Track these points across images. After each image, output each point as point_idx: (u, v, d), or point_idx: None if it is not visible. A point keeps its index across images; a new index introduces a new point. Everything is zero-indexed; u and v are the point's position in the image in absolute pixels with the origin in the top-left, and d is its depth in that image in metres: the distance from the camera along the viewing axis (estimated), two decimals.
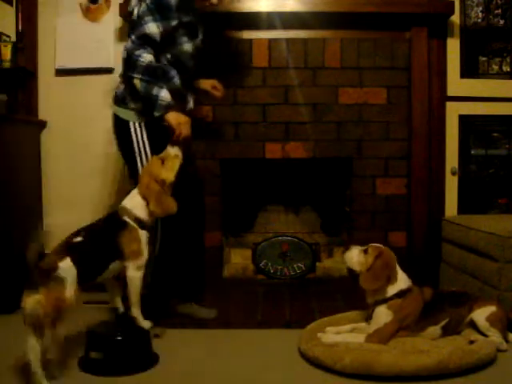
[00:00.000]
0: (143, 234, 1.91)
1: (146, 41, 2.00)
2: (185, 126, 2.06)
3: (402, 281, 1.99)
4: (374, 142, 2.79)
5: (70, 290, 1.65)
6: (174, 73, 2.11)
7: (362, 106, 2.78)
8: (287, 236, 3.07)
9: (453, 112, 2.89)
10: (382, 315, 1.95)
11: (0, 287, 2.44)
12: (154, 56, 2.03)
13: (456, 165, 2.91)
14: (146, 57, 1.99)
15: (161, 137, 2.08)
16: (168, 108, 2.03)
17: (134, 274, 1.89)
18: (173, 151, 2.01)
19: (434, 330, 1.98)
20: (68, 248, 1.75)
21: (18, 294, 2.29)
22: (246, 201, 3.13)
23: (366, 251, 2.01)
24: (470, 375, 1.77)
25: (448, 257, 2.75)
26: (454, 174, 2.91)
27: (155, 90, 2.00)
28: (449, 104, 2.89)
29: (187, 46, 2.15)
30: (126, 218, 1.89)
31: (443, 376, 1.74)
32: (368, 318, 2.04)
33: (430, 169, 2.85)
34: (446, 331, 1.99)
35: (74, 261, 1.69)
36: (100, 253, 1.84)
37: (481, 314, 1.99)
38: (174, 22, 2.05)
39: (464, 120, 2.90)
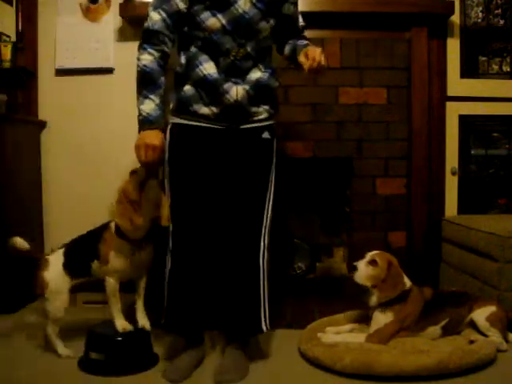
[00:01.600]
0: (118, 243, 1.84)
1: (145, 37, 1.75)
2: (144, 150, 1.66)
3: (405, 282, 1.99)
4: (374, 142, 2.79)
5: (50, 273, 1.89)
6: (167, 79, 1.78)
7: (362, 106, 2.78)
8: None
9: (453, 112, 2.89)
10: (383, 315, 1.95)
11: (0, 287, 2.43)
12: (161, 51, 1.75)
13: (456, 165, 2.91)
14: (142, 60, 1.73)
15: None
16: (144, 124, 1.69)
17: (106, 278, 1.88)
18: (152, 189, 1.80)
19: (434, 329, 1.98)
20: (68, 241, 1.99)
21: (19, 294, 2.29)
22: None
23: (371, 263, 2.00)
24: (470, 375, 1.77)
25: (448, 257, 2.75)
26: (453, 174, 2.91)
27: (139, 101, 1.72)
28: (449, 104, 2.89)
29: (213, 22, 1.75)
30: (112, 224, 1.88)
31: (443, 376, 1.74)
32: (368, 319, 2.04)
33: (430, 169, 2.84)
34: (446, 331, 1.99)
35: (64, 252, 1.94)
36: (83, 250, 1.93)
37: (481, 314, 1.99)
38: (181, 2, 1.74)
39: (464, 120, 2.90)
